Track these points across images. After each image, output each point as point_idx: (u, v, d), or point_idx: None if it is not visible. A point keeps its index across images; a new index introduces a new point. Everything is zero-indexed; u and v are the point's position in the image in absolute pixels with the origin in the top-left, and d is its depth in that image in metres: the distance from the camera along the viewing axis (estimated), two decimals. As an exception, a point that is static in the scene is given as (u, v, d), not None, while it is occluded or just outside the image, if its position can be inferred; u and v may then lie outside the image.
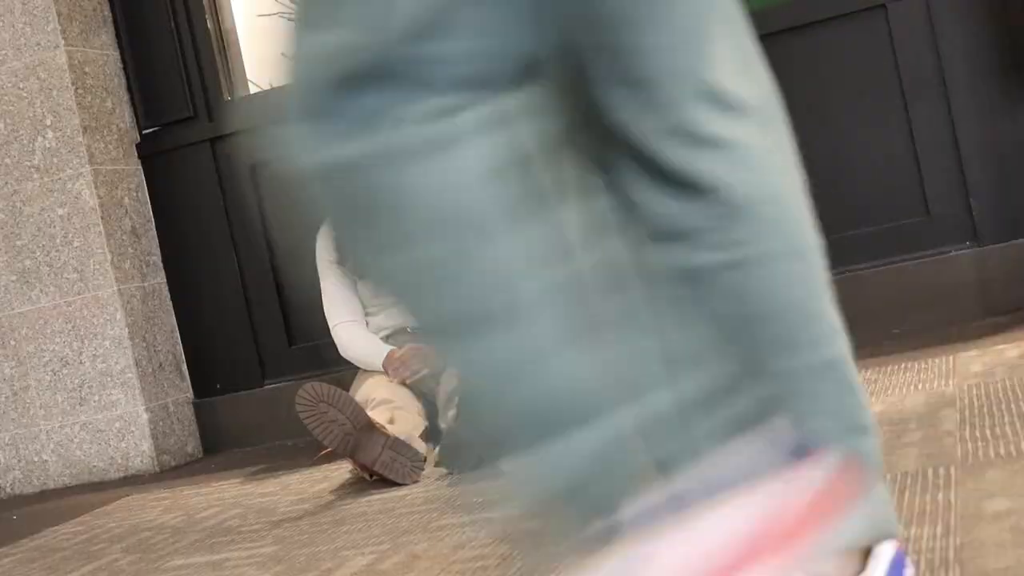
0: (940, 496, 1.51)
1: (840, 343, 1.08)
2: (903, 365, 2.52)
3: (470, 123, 0.88)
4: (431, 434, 2.84)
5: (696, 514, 0.85)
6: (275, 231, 3.60)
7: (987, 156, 3.00)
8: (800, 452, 0.88)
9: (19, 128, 3.54)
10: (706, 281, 1.01)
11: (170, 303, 3.69)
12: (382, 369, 3.03)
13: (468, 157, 0.88)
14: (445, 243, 0.89)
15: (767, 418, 0.92)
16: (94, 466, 3.54)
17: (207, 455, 3.66)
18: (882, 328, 3.03)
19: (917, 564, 1.27)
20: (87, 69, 3.54)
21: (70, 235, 3.51)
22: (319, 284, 3.25)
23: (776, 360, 1.03)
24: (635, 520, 0.87)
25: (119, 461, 3.52)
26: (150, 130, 3.70)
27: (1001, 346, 2.50)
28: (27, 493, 3.62)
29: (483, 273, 0.88)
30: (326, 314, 3.20)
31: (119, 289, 3.49)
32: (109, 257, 3.48)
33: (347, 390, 2.97)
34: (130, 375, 3.49)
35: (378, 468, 2.40)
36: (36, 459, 3.60)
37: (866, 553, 1.02)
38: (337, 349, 3.19)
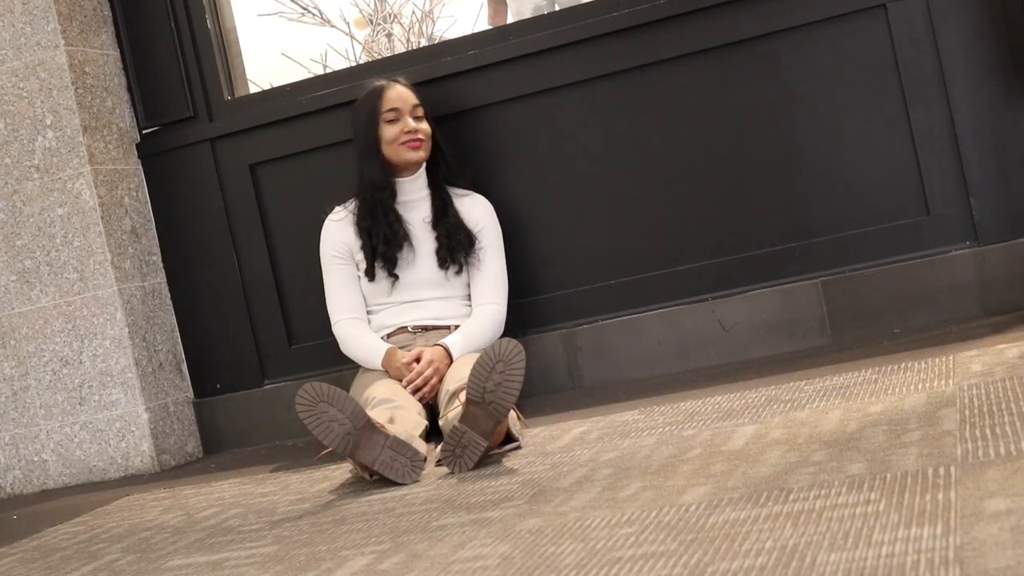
0: (940, 496, 1.51)
1: None
2: (903, 365, 2.52)
3: None
4: (431, 434, 2.85)
5: None
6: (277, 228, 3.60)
7: (987, 156, 3.00)
8: None
9: (19, 128, 3.54)
10: None
11: (170, 303, 3.69)
12: (381, 368, 3.04)
13: None
14: None
15: None
16: (94, 466, 3.54)
17: (207, 455, 3.66)
18: (882, 328, 3.04)
19: (917, 564, 1.28)
20: (87, 69, 3.54)
21: (70, 235, 3.51)
22: (322, 279, 3.26)
23: None
24: None
25: (119, 461, 3.52)
26: (150, 130, 3.70)
27: (1001, 346, 2.50)
28: (27, 493, 3.62)
29: None
30: (328, 310, 3.21)
31: (119, 289, 3.49)
32: (109, 257, 3.49)
33: (347, 389, 2.98)
34: (130, 375, 3.49)
35: (378, 468, 2.40)
36: (36, 459, 3.61)
37: None
38: (338, 346, 3.20)
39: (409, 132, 3.10)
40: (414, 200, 3.18)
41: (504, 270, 3.19)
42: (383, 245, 3.11)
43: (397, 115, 3.12)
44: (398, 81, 3.19)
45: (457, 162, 3.23)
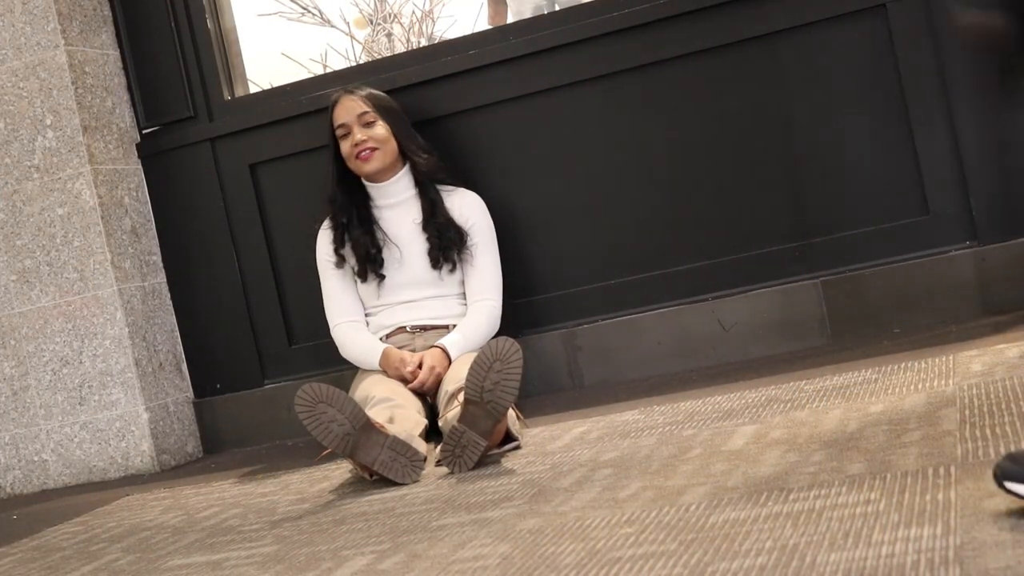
0: (940, 496, 1.51)
1: None
2: (903, 365, 2.52)
3: None
4: (431, 434, 2.85)
5: None
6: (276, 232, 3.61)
7: (987, 156, 3.00)
8: None
9: (19, 128, 3.54)
10: None
11: (170, 303, 3.69)
12: (379, 368, 3.04)
13: None
14: None
15: None
16: (94, 466, 3.54)
17: (207, 455, 3.66)
18: (882, 328, 3.03)
19: (917, 564, 1.27)
20: (87, 69, 3.54)
21: (70, 235, 3.51)
22: (319, 284, 3.26)
23: None
24: None
25: (119, 461, 3.52)
26: (150, 130, 3.70)
27: (1001, 346, 2.50)
28: (27, 493, 3.62)
29: None
30: (326, 314, 3.22)
31: (119, 289, 3.49)
32: (109, 257, 3.48)
33: (347, 390, 2.98)
34: (130, 375, 3.49)
35: (378, 468, 2.40)
36: (36, 459, 3.61)
37: None
38: (337, 349, 3.20)
39: (356, 145, 3.10)
40: (400, 201, 3.18)
41: (498, 265, 3.18)
42: (362, 249, 3.13)
43: (346, 130, 3.13)
44: (347, 91, 3.18)
45: (432, 159, 3.19)
